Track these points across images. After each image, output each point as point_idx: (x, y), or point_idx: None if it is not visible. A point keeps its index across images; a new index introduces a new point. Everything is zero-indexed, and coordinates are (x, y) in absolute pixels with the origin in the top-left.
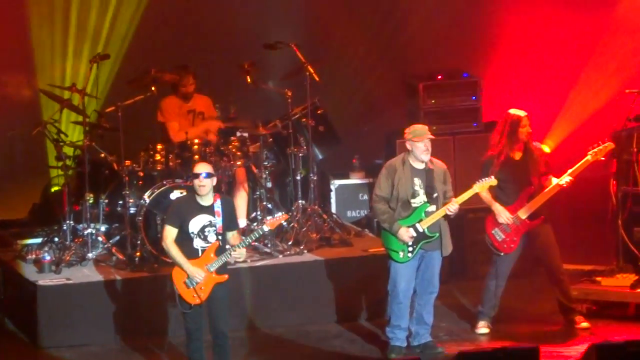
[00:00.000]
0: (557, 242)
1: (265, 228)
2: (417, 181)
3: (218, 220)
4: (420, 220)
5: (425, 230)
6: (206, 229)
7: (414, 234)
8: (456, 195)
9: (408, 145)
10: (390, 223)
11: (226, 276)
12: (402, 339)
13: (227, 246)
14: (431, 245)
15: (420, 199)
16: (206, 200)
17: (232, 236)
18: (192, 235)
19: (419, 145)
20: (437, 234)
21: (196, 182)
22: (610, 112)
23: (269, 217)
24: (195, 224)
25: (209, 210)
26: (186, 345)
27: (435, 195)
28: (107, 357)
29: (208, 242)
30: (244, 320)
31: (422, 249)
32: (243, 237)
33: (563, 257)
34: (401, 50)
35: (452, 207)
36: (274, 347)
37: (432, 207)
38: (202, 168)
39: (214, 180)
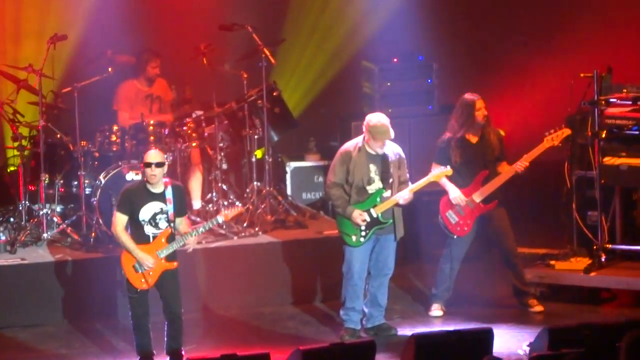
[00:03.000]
0: (512, 226)
1: (220, 219)
2: (373, 167)
3: (169, 207)
4: (375, 206)
5: (379, 216)
6: (157, 216)
7: (368, 218)
8: (411, 179)
9: (366, 135)
10: (344, 207)
11: (175, 264)
12: (356, 321)
13: (177, 234)
14: (384, 230)
15: (376, 185)
16: (157, 187)
17: (182, 222)
18: (142, 222)
19: (377, 142)
20: (391, 221)
21: (148, 171)
22: (565, 96)
23: (223, 208)
24: (146, 212)
25: (160, 197)
26: (133, 329)
27: (390, 180)
28: (62, 338)
29: (159, 229)
30: (198, 302)
31: (375, 234)
32: (197, 222)
33: (517, 241)
34: (357, 33)
35: (405, 196)
36: (228, 328)
37: (388, 193)
38: (153, 157)
39: (165, 168)
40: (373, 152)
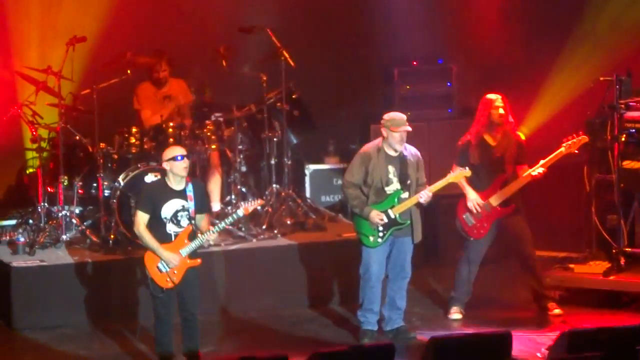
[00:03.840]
0: (530, 229)
1: (240, 213)
2: (391, 169)
3: (191, 205)
4: (393, 207)
5: (397, 217)
6: (179, 214)
7: (385, 219)
8: (430, 182)
9: (384, 132)
10: (362, 207)
11: (199, 260)
12: (373, 323)
13: (198, 231)
14: (402, 232)
15: (394, 186)
16: (178, 184)
17: (202, 219)
18: (164, 220)
19: (395, 135)
20: (408, 222)
21: (180, 164)
22: (585, 99)
23: (243, 202)
24: (168, 209)
25: (182, 194)
26: (155, 329)
27: (408, 182)
28: (80, 339)
29: (181, 227)
30: (216, 305)
31: (393, 235)
32: (217, 222)
33: (536, 244)
34: (377, 36)
35: (425, 195)
36: (246, 331)
37: (406, 194)
38: (180, 151)
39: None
40: (392, 154)
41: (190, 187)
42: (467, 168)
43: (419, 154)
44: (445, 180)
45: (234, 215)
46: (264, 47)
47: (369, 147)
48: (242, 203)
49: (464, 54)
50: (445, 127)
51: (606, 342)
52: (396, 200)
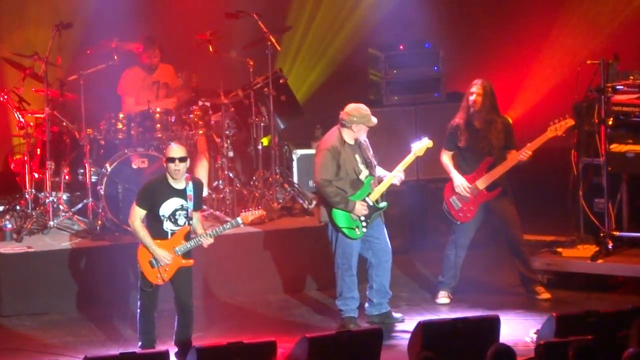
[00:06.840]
0: (518, 213)
1: (239, 221)
2: (358, 157)
3: (190, 205)
4: (369, 194)
5: (375, 203)
6: (177, 213)
7: (367, 209)
8: (419, 168)
9: (354, 127)
10: (345, 202)
11: (192, 261)
12: (355, 310)
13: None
14: (375, 215)
15: (364, 173)
16: (179, 183)
17: (195, 216)
18: (162, 217)
19: (366, 130)
20: (386, 204)
21: (171, 166)
22: (572, 83)
23: (244, 211)
24: (167, 207)
25: (182, 193)
26: (139, 319)
27: (372, 165)
28: (68, 326)
29: (178, 225)
30: (204, 290)
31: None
32: (216, 228)
33: (524, 228)
34: (363, 20)
35: (398, 175)
36: (234, 316)
37: (374, 179)
38: (177, 152)
39: (188, 162)
40: (352, 142)
41: (190, 187)
42: (427, 138)
43: None
44: (411, 155)
45: (233, 222)
46: (251, 32)
47: (332, 141)
48: (243, 211)
49: (451, 38)
50: (432, 111)
51: (594, 325)
52: (370, 187)
